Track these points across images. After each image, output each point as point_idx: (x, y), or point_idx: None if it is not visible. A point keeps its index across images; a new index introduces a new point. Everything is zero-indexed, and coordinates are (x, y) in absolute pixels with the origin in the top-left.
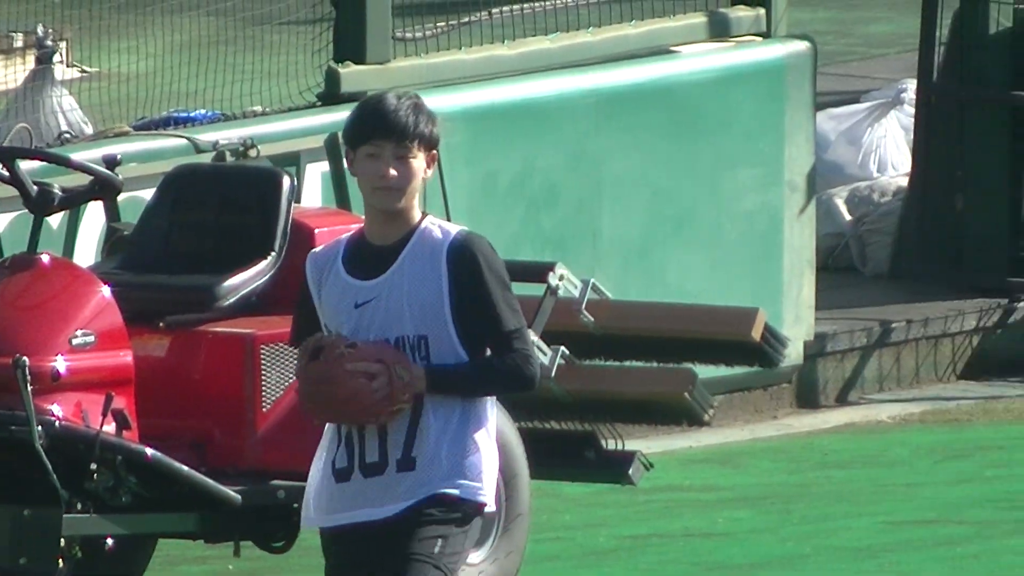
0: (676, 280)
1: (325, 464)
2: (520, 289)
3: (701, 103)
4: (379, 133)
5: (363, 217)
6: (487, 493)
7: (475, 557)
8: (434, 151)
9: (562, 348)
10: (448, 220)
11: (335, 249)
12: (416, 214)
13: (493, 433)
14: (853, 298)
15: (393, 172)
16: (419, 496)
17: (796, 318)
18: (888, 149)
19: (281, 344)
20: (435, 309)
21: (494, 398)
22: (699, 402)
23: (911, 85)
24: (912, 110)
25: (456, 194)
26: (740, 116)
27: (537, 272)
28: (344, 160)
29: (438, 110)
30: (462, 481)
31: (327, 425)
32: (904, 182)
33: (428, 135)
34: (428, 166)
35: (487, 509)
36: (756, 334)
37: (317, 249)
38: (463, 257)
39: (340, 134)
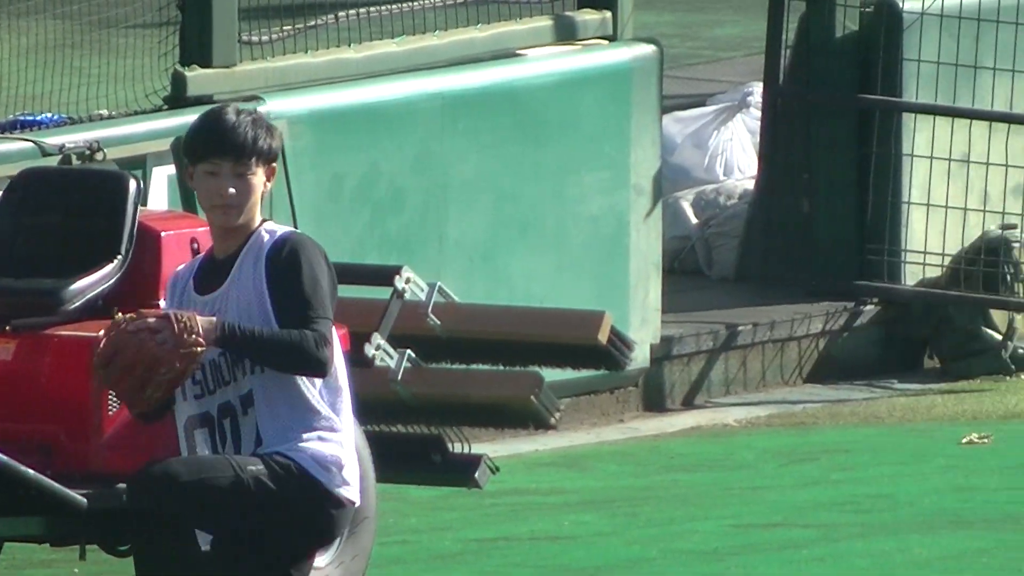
0: (522, 283)
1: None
2: (367, 292)
3: (547, 106)
4: (217, 152)
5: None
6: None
7: (321, 560)
8: (274, 164)
9: (408, 351)
10: (295, 225)
11: (191, 267)
12: (255, 223)
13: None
14: (699, 301)
15: (232, 190)
16: None
17: (642, 321)
18: (734, 152)
19: None
20: (260, 310)
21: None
22: (545, 405)
23: (757, 88)
24: (759, 113)
25: (302, 197)
26: (586, 119)
27: (383, 275)
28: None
29: (284, 113)
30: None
31: (185, 439)
32: (750, 185)
33: (267, 151)
34: (268, 179)
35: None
36: (602, 337)
37: (179, 268)
38: (280, 255)
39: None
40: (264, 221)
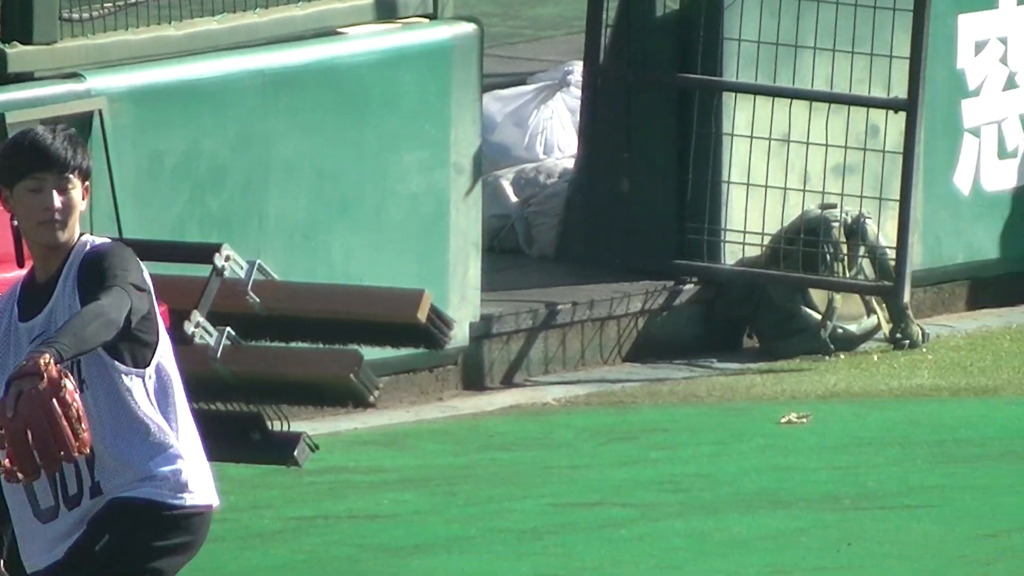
0: (342, 262)
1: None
2: (186, 270)
3: (367, 85)
4: (40, 166)
5: None
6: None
7: None
8: (88, 183)
9: (228, 329)
10: (115, 204)
11: (11, 295)
12: (75, 240)
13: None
14: (519, 280)
15: (58, 203)
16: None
17: (462, 299)
18: (555, 131)
19: None
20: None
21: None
22: (365, 383)
23: (578, 67)
24: (579, 92)
25: (122, 176)
26: (406, 98)
27: (203, 253)
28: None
29: (105, 90)
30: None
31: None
32: (571, 164)
33: (85, 167)
34: (84, 197)
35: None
36: (421, 316)
37: None
38: (90, 261)
39: None
40: (81, 235)
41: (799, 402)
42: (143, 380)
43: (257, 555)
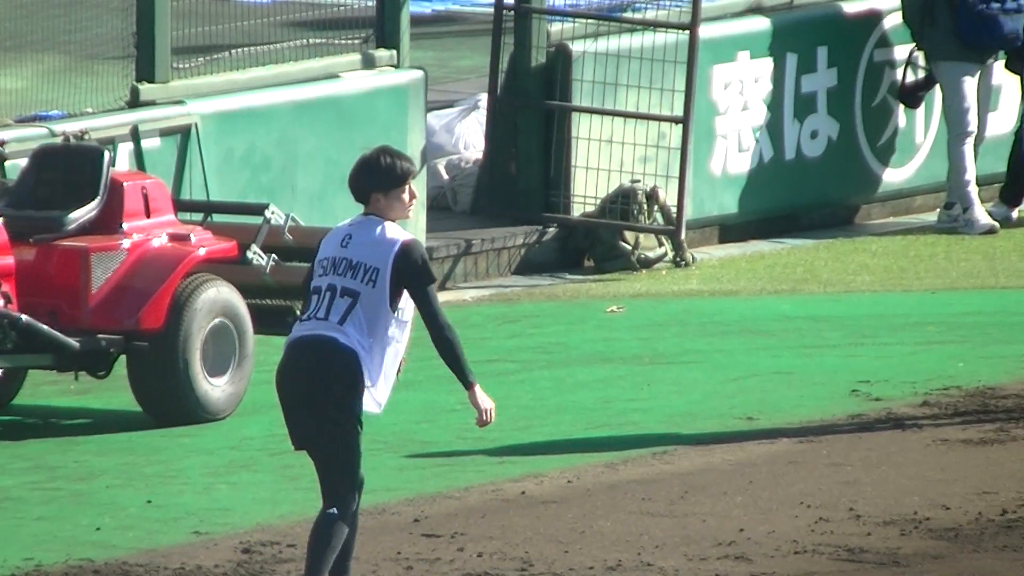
0: (341, 216)
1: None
2: (246, 220)
3: (357, 107)
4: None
5: (153, 176)
6: None
7: (219, 381)
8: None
9: (272, 255)
10: (205, 182)
11: None
12: None
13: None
14: (448, 225)
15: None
16: None
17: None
18: (470, 135)
19: (102, 252)
20: None
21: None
22: None
23: (484, 97)
24: (485, 111)
25: (209, 163)
26: (380, 115)
27: (257, 209)
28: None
29: (198, 112)
30: None
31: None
32: (480, 155)
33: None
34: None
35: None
36: None
37: None
38: None
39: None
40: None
41: (618, 299)
42: None
43: None
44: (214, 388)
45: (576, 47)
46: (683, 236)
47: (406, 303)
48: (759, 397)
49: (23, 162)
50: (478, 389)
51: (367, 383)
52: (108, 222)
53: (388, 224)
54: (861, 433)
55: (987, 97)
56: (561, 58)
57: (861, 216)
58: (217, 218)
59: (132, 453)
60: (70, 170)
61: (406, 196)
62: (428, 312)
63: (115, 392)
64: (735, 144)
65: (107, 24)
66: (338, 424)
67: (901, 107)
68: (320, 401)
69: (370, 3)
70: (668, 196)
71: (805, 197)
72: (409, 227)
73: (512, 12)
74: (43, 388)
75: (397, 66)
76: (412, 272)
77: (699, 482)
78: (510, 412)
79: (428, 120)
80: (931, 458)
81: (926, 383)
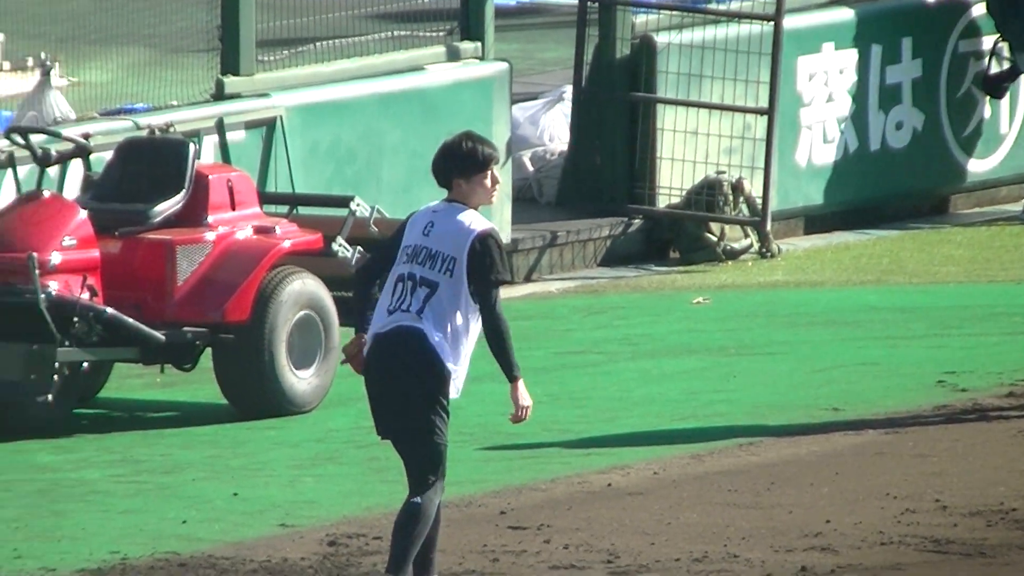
0: None
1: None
2: (332, 212)
3: (441, 100)
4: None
5: (238, 168)
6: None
7: (305, 374)
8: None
9: (358, 247)
10: (290, 174)
11: None
12: None
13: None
14: (534, 216)
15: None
16: None
17: (500, 229)
18: (555, 127)
19: (188, 244)
20: None
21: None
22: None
23: (569, 88)
24: (569, 103)
25: (294, 155)
26: (465, 107)
27: (343, 201)
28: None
29: (283, 104)
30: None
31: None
32: (565, 147)
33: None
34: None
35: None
36: None
37: None
38: None
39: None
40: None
41: (703, 291)
42: None
43: None
44: (300, 380)
45: (660, 39)
46: (768, 227)
47: None
48: (845, 388)
49: (108, 155)
50: (521, 384)
51: (450, 371)
52: (193, 215)
53: (469, 212)
54: (947, 424)
55: None
56: (645, 50)
57: (947, 207)
58: (302, 210)
59: (218, 446)
60: (155, 163)
61: (488, 182)
62: (486, 305)
63: (201, 385)
64: (820, 135)
65: (192, 17)
66: (427, 415)
67: (986, 98)
68: (409, 393)
69: None
70: (753, 187)
71: (890, 188)
72: (494, 218)
73: (596, 4)
74: (129, 381)
75: (482, 58)
76: (480, 267)
77: (785, 473)
78: (596, 404)
79: (513, 112)
80: (1017, 448)
81: (1012, 374)
